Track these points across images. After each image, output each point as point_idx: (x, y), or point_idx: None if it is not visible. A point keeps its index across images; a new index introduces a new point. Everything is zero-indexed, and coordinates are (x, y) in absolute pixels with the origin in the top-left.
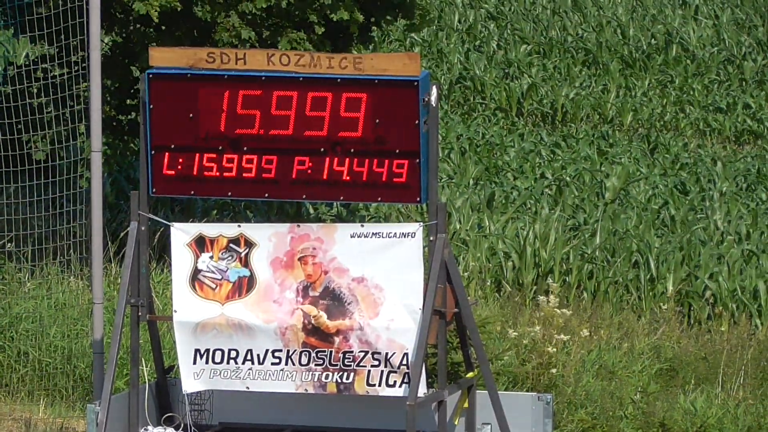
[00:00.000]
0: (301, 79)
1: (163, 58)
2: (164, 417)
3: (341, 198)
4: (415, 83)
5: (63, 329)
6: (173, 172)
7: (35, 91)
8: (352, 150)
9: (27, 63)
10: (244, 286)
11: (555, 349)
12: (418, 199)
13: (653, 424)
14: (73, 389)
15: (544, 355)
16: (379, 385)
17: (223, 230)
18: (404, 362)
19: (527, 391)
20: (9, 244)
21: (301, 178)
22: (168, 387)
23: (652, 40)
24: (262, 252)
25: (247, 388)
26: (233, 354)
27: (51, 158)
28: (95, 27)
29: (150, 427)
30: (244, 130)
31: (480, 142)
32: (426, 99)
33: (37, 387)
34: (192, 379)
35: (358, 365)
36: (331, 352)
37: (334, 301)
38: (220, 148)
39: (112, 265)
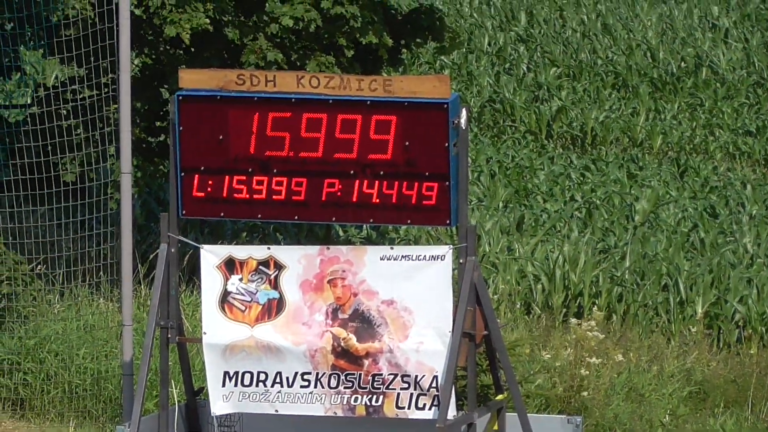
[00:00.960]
0: (330, 101)
1: (192, 79)
2: None
3: (371, 220)
4: (445, 106)
5: (92, 351)
6: (203, 194)
7: (65, 113)
8: (381, 172)
9: (56, 85)
10: (274, 308)
11: (587, 372)
12: (448, 221)
13: None
14: (103, 411)
15: (575, 378)
16: (409, 408)
17: (252, 252)
18: (434, 385)
19: (558, 413)
20: (39, 266)
21: (330, 201)
22: (197, 409)
23: (682, 63)
24: (291, 274)
25: (276, 411)
26: (262, 377)
27: (80, 180)
28: (125, 49)
29: None
30: (273, 152)
31: (510, 165)
32: (456, 121)
33: (66, 409)
34: (221, 402)
35: (387, 388)
36: (360, 374)
37: (364, 323)
38: (250, 170)
39: (142, 287)
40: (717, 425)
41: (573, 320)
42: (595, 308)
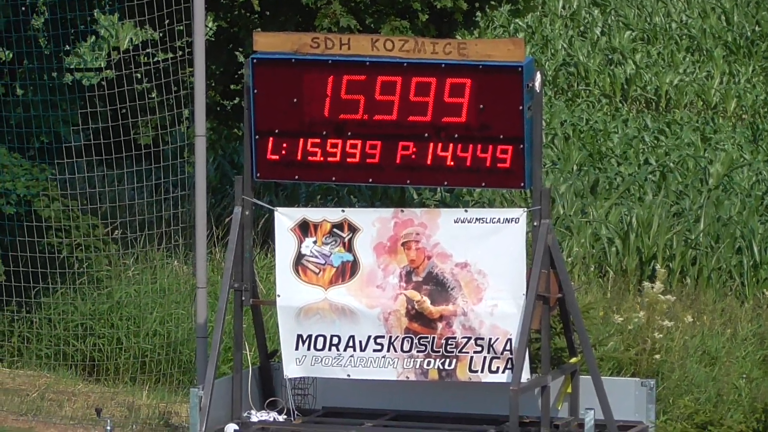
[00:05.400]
0: (405, 64)
1: (267, 43)
2: (267, 401)
3: (445, 183)
4: (520, 69)
5: (164, 314)
6: (277, 157)
7: (139, 76)
8: (456, 135)
9: (130, 48)
10: (348, 271)
11: (660, 335)
12: (522, 184)
13: (757, 410)
14: (176, 374)
15: (648, 341)
16: (482, 372)
17: (326, 215)
18: (507, 348)
19: (630, 376)
20: (115, 230)
21: (405, 163)
22: (271, 371)
23: (757, 26)
24: (365, 237)
25: (348, 375)
26: (335, 340)
27: (155, 144)
28: (200, 12)
29: (253, 411)
30: (348, 116)
31: (584, 128)
32: (530, 85)
33: (139, 372)
34: (294, 365)
35: (460, 351)
36: (433, 338)
37: (437, 286)
38: (324, 133)
39: (217, 249)
40: None
41: (646, 283)
42: (657, 266)
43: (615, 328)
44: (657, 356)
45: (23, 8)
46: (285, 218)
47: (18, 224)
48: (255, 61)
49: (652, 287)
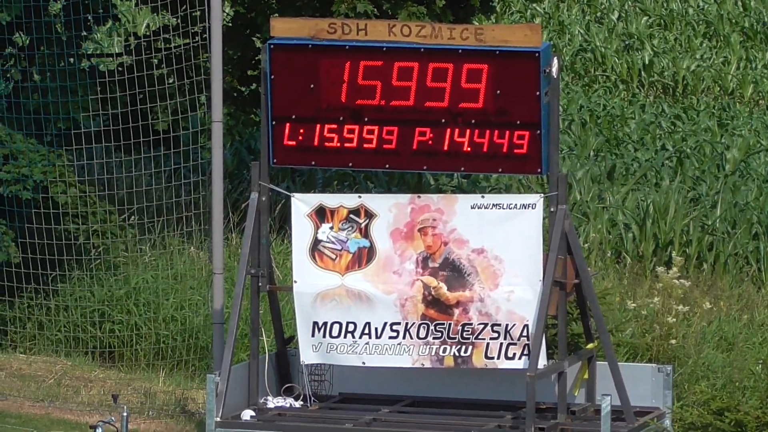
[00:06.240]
0: (422, 50)
1: (284, 28)
2: (284, 387)
3: (462, 169)
4: (537, 54)
5: (180, 301)
6: (294, 143)
7: (156, 61)
8: (473, 121)
9: (148, 33)
10: (364, 256)
11: (674, 320)
12: (539, 170)
13: None
14: (193, 360)
15: (663, 326)
16: (498, 358)
17: (343, 201)
18: (524, 334)
19: (647, 362)
20: (132, 216)
21: (421, 149)
22: (288, 358)
23: None
24: (382, 223)
25: (363, 363)
26: (351, 327)
27: (172, 129)
28: None
29: (270, 398)
30: (364, 101)
31: (601, 114)
32: (547, 70)
33: (155, 358)
34: (310, 351)
35: (476, 338)
36: (450, 324)
37: (454, 272)
38: (341, 118)
39: (233, 235)
40: None
41: (660, 269)
42: (674, 254)
43: (632, 313)
44: (673, 341)
45: None
46: (302, 204)
47: (28, 211)
48: (272, 46)
49: (667, 272)
